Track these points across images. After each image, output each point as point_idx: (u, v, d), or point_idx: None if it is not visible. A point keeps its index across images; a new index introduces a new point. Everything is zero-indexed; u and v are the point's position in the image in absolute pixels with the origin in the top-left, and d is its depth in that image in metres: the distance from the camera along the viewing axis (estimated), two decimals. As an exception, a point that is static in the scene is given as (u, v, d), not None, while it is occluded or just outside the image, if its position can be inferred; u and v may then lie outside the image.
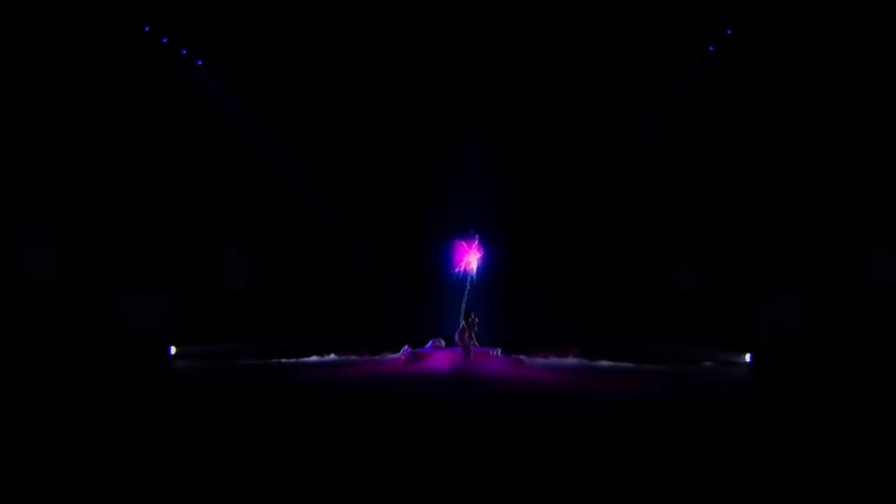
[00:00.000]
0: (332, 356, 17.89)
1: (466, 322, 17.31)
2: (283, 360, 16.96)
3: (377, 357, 18.04)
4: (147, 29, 16.92)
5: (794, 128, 17.22)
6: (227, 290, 19.05)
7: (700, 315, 18.32)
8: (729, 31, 17.19)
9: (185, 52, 17.75)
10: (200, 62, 18.02)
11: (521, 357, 16.99)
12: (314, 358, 17.59)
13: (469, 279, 18.92)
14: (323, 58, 18.21)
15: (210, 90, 18.32)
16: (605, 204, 19.09)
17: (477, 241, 18.96)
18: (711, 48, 17.68)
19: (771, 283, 17.80)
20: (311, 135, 19.15)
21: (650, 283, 19.32)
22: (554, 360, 17.31)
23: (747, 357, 16.61)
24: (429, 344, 17.82)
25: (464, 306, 18.64)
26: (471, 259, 18.92)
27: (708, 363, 16.44)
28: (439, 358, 16.94)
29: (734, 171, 18.16)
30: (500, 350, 17.40)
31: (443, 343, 17.87)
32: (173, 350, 17.32)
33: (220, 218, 19.09)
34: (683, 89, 18.08)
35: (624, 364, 16.27)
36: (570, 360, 17.20)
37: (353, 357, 17.94)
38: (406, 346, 17.38)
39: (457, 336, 17.40)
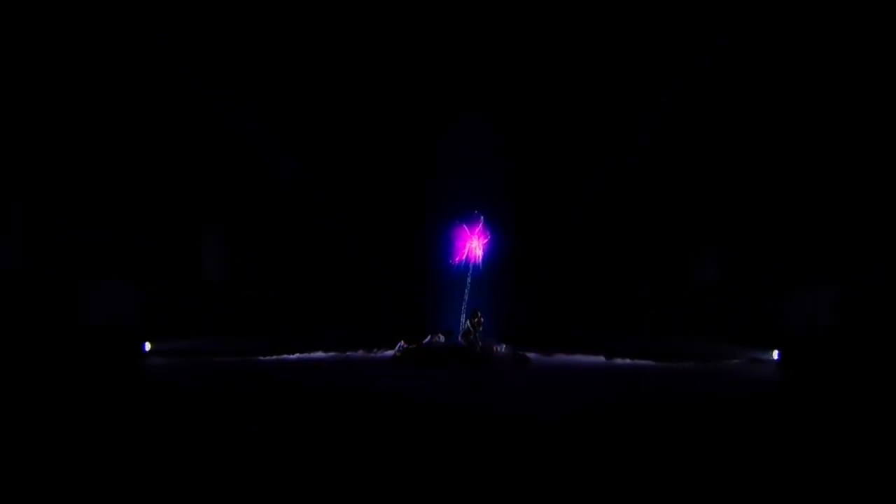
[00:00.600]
0: (320, 353, 16.42)
1: (472, 323, 15.96)
2: (266, 358, 15.67)
3: (369, 354, 16.62)
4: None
5: (824, 109, 15.78)
6: (207, 282, 17.49)
7: (722, 309, 16.83)
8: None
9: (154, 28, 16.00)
10: (170, 38, 16.23)
11: (528, 354, 15.80)
12: (298, 355, 16.15)
13: (471, 268, 17.33)
14: (308, 23, 16.66)
15: (183, 64, 16.62)
16: (620, 189, 17.53)
17: (481, 224, 17.29)
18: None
19: (800, 275, 16.32)
20: (298, 112, 17.54)
21: (668, 274, 17.80)
22: (565, 356, 15.92)
23: (775, 354, 15.36)
24: (427, 339, 16.37)
25: (466, 297, 17.14)
26: (475, 245, 17.30)
27: (733, 361, 15.12)
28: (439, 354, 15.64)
29: (759, 156, 16.67)
30: (504, 346, 15.93)
31: (442, 339, 16.46)
32: (148, 346, 15.87)
33: (199, 205, 17.49)
34: (706, 66, 16.53)
35: (643, 361, 14.89)
36: (584, 357, 15.80)
37: (343, 354, 16.49)
38: (401, 342, 16.05)
39: (460, 337, 16.08)
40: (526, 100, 17.64)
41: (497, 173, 17.61)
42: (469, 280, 17.51)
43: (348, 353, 16.57)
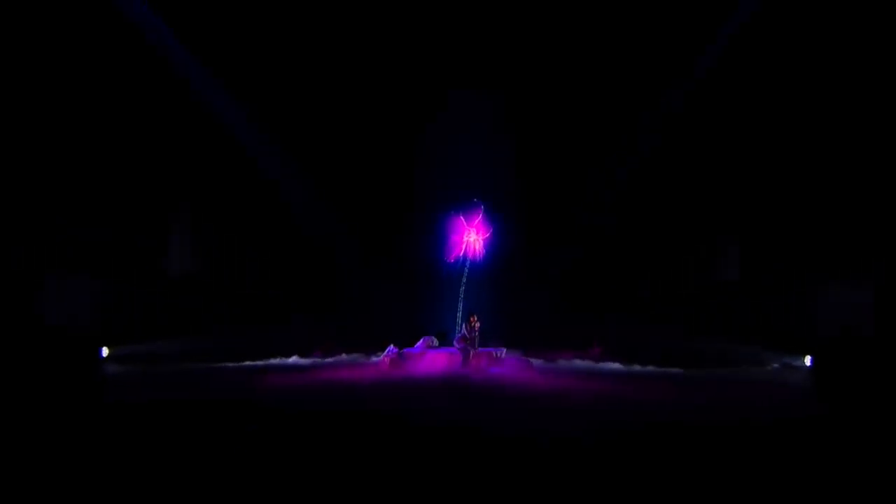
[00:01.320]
0: (294, 358, 14.75)
1: (467, 327, 14.35)
2: (238, 364, 14.03)
3: (354, 359, 15.07)
4: None
5: (861, 91, 14.19)
6: (173, 278, 15.73)
7: (745, 309, 15.16)
8: None
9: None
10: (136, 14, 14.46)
11: (531, 359, 14.25)
12: (276, 361, 14.59)
13: (467, 265, 15.65)
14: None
15: (148, 41, 14.82)
16: (636, 174, 15.82)
17: (481, 214, 15.58)
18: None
19: (831, 271, 14.67)
20: (276, 87, 15.72)
21: (688, 269, 16.13)
22: (574, 361, 14.27)
23: (807, 360, 13.93)
24: (419, 343, 14.82)
25: (462, 297, 15.43)
26: (473, 239, 15.55)
27: (764, 367, 13.52)
28: (431, 360, 14.12)
29: (788, 139, 15.02)
30: (505, 350, 14.38)
31: (436, 342, 14.93)
32: (105, 352, 14.13)
33: (165, 193, 15.71)
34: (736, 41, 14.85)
35: (667, 369, 13.24)
36: (595, 363, 14.16)
37: (324, 359, 14.81)
38: (391, 346, 14.37)
39: (455, 341, 14.45)
40: (534, 68, 15.79)
41: (500, 156, 15.87)
42: (465, 278, 15.79)
43: (331, 358, 14.81)
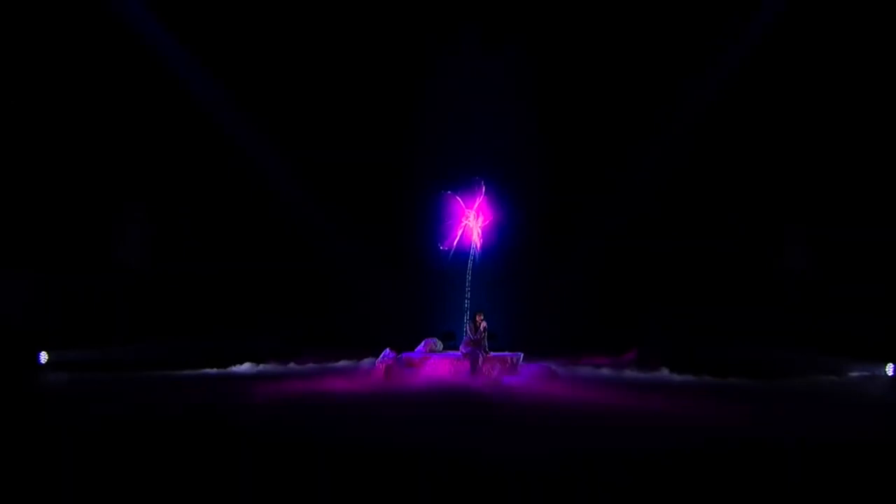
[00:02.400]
0: (247, 366, 12.41)
1: (472, 327, 12.13)
2: (198, 372, 11.80)
3: (343, 365, 12.69)
4: None
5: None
6: (128, 271, 13.43)
7: (813, 308, 12.79)
8: None
9: None
10: None
11: (554, 366, 12.05)
12: (246, 366, 12.35)
13: (473, 256, 13.26)
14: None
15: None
16: (677, 147, 13.47)
17: (482, 195, 13.15)
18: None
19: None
20: (239, 43, 13.40)
21: (742, 262, 13.72)
22: (604, 370, 11.91)
23: (889, 369, 11.89)
24: (420, 346, 12.68)
25: (468, 293, 13.13)
26: (472, 224, 13.17)
27: (841, 377, 11.44)
28: (434, 367, 11.98)
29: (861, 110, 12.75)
30: (522, 356, 12.19)
31: (439, 345, 12.79)
32: (44, 357, 11.89)
33: (118, 175, 13.56)
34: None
35: (723, 379, 10.87)
36: (634, 371, 11.74)
37: (305, 365, 12.60)
38: (387, 350, 12.19)
39: (462, 345, 12.26)
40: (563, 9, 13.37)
41: (507, 121, 13.57)
42: (470, 271, 13.36)
43: (312, 365, 12.47)
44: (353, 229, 14.43)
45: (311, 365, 12.73)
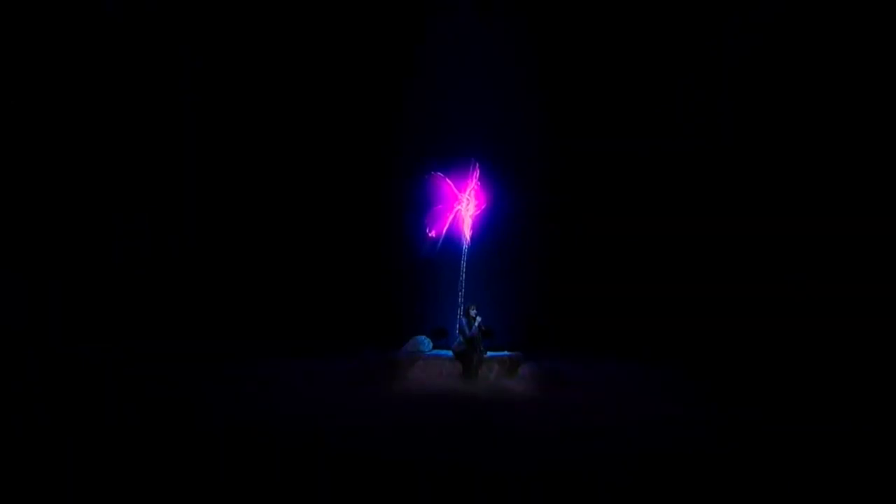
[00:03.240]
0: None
1: (468, 324, 10.63)
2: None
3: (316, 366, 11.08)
4: None
5: None
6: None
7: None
8: None
9: None
10: None
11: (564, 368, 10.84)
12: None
13: (466, 245, 11.79)
14: None
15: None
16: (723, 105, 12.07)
17: (476, 176, 11.65)
18: None
19: None
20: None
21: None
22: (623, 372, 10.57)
23: None
24: (406, 345, 11.22)
25: (462, 286, 11.63)
26: (465, 209, 11.67)
27: None
28: (421, 371, 10.48)
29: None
30: (521, 356, 10.81)
31: (429, 346, 11.29)
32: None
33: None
34: None
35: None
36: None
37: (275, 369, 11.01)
38: (367, 351, 11.07)
39: (454, 346, 10.77)
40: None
41: (506, 91, 12.08)
42: (465, 261, 11.84)
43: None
44: (329, 213, 12.88)
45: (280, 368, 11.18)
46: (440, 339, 11.55)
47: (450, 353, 10.72)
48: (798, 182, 12.18)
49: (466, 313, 10.75)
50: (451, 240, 11.82)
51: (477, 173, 11.61)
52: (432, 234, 11.70)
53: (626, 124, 12.70)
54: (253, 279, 12.93)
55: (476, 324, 10.53)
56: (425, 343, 11.22)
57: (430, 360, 10.64)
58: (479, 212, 11.75)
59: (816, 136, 12.12)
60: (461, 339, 10.58)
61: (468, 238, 11.72)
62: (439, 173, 11.62)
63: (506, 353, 10.80)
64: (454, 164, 11.66)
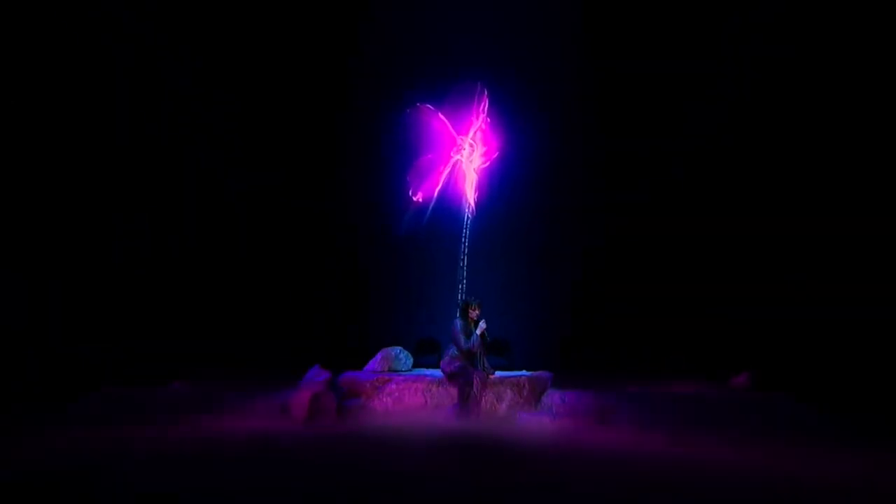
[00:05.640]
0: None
1: (467, 329, 7.16)
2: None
3: (238, 397, 7.33)
4: None
5: None
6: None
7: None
8: None
9: None
10: None
11: (604, 397, 7.01)
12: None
13: (466, 215, 8.33)
14: None
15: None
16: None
17: (485, 111, 8.05)
18: None
19: None
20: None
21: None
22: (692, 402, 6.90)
23: None
24: (373, 361, 7.68)
25: (463, 277, 8.23)
26: (467, 159, 8.17)
27: None
28: (398, 396, 7.10)
29: None
30: (547, 377, 7.27)
31: (406, 361, 7.76)
32: None
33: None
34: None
35: None
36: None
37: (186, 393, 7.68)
38: (316, 368, 7.26)
39: (445, 362, 7.13)
40: None
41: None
42: (467, 238, 8.30)
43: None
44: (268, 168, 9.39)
45: (194, 392, 7.56)
46: (426, 354, 8.08)
47: (439, 372, 7.13)
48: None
49: (464, 311, 7.13)
50: (446, 206, 8.34)
51: (485, 105, 8.04)
52: (417, 197, 8.22)
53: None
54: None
55: (479, 331, 6.92)
56: (402, 358, 7.60)
57: (409, 384, 7.03)
58: (488, 163, 8.24)
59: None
60: (454, 350, 6.95)
61: (472, 204, 8.26)
62: (427, 105, 8.06)
63: (523, 372, 7.30)
64: (451, 90, 8.10)
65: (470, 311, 7.15)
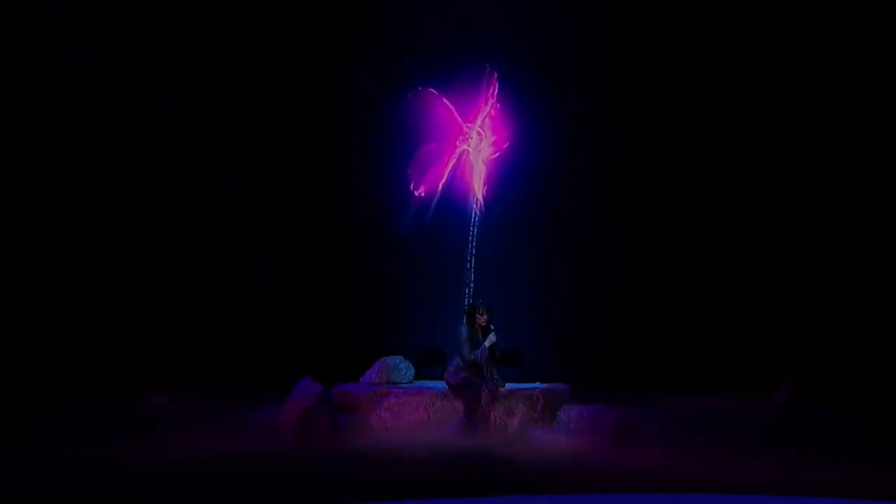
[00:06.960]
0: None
1: (473, 337, 6.53)
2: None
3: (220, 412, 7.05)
4: None
5: None
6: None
7: None
8: None
9: None
10: None
11: (629, 411, 6.57)
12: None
13: (474, 210, 7.81)
14: None
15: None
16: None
17: (495, 95, 7.55)
18: None
19: None
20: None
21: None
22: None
23: None
24: (370, 372, 7.03)
25: (470, 279, 7.74)
26: (475, 149, 7.65)
27: None
28: (394, 415, 6.51)
29: None
30: (564, 389, 6.72)
31: (406, 372, 7.10)
32: None
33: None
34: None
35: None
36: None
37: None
38: (306, 379, 6.68)
39: (449, 374, 6.56)
40: None
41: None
42: (474, 237, 7.77)
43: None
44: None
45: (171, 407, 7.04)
46: (429, 364, 7.50)
47: (443, 384, 6.55)
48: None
49: (470, 316, 6.50)
50: (451, 202, 7.80)
51: (495, 89, 7.50)
52: (419, 192, 7.67)
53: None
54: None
55: (487, 343, 6.29)
56: (402, 368, 7.00)
57: (409, 397, 6.43)
58: (498, 154, 7.69)
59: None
60: (459, 361, 6.30)
61: (480, 199, 7.73)
62: (431, 89, 7.51)
63: (537, 384, 6.72)
64: (457, 73, 7.60)
65: (477, 315, 6.52)
